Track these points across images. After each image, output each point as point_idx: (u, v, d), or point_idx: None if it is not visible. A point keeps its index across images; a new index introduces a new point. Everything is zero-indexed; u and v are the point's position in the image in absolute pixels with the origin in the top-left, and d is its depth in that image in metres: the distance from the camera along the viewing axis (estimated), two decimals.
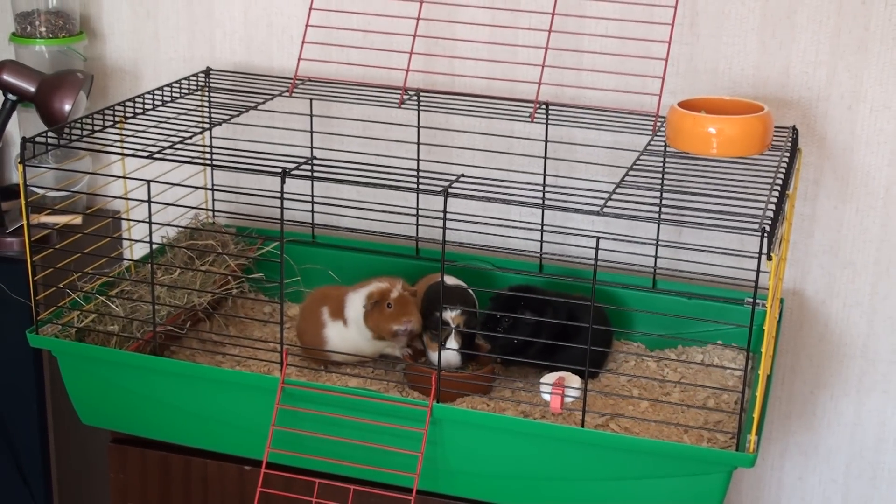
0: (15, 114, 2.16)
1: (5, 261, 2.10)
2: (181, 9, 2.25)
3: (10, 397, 2.15)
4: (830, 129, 1.97)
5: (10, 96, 2.09)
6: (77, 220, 2.11)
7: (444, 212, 1.56)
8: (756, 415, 1.54)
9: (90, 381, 1.79)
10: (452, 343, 1.79)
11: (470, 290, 1.88)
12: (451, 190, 1.57)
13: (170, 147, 1.70)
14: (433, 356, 1.79)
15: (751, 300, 1.88)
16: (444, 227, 1.58)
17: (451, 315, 1.79)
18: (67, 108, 2.05)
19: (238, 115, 1.92)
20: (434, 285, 1.88)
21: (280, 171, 1.60)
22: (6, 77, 2.07)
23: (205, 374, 1.72)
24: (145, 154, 1.67)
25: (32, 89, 2.07)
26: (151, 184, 1.73)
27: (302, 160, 1.65)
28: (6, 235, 2.12)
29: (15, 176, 2.35)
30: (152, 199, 1.71)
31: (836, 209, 2.00)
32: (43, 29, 2.21)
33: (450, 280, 1.89)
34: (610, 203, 1.53)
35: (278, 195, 1.62)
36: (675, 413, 1.76)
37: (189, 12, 2.25)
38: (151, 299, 1.75)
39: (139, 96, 1.92)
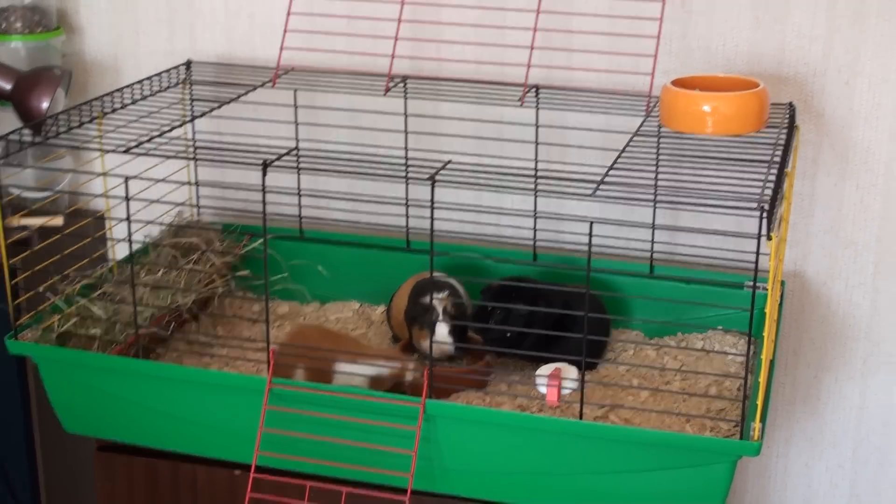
0: None
1: None
2: (160, 1, 2.20)
3: None
4: (828, 104, 1.92)
5: None
6: (58, 220, 2.06)
7: (432, 201, 1.51)
8: (759, 402, 1.49)
9: (72, 387, 1.74)
10: (442, 327, 1.74)
11: (458, 285, 1.83)
12: (438, 177, 1.52)
13: (147, 140, 1.64)
14: (425, 346, 1.74)
15: (751, 283, 1.84)
16: (432, 217, 1.53)
17: (437, 298, 1.74)
18: (45, 105, 2.00)
19: (219, 107, 1.87)
20: (421, 281, 1.83)
21: (261, 162, 1.55)
22: None
23: (188, 376, 1.68)
24: (122, 149, 1.62)
25: (8, 87, 2.02)
26: (135, 181, 1.68)
27: (284, 151, 1.60)
28: None
29: None
30: (134, 197, 1.66)
31: (835, 187, 1.95)
32: (18, 25, 2.15)
33: (438, 276, 1.84)
34: (604, 186, 1.48)
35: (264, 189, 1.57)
36: (677, 402, 1.71)
37: (168, 4, 2.20)
38: (132, 301, 1.70)
39: (117, 91, 1.87)
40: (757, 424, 1.47)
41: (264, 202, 1.57)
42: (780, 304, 1.87)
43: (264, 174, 1.55)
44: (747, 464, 2.12)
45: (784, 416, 2.09)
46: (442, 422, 1.57)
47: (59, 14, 2.23)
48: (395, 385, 1.66)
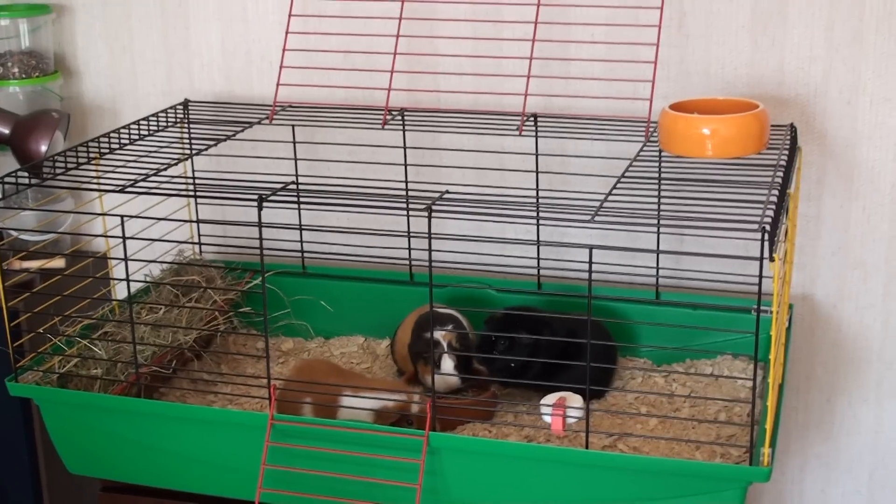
0: None
1: None
2: (157, 42, 2.20)
3: (0, 449, 2.09)
4: (830, 125, 1.90)
5: None
6: (59, 262, 2.05)
7: (429, 230, 1.50)
8: (769, 426, 1.46)
9: (75, 429, 1.72)
10: (448, 363, 1.72)
11: (462, 318, 1.81)
12: (436, 207, 1.50)
13: (143, 179, 1.64)
14: (429, 381, 1.72)
15: (756, 307, 1.82)
16: (430, 249, 1.52)
17: (440, 334, 1.72)
18: (44, 148, 2.00)
19: (215, 145, 1.86)
20: (424, 315, 1.82)
21: (256, 197, 1.54)
22: None
23: (188, 414, 1.66)
24: (117, 189, 1.61)
25: (7, 131, 2.02)
26: (136, 221, 1.67)
27: (280, 186, 1.59)
28: None
29: None
30: (132, 237, 1.66)
31: (841, 208, 1.93)
32: (16, 70, 2.16)
33: (441, 309, 1.83)
34: (603, 212, 1.46)
35: (264, 225, 1.56)
36: (686, 429, 1.68)
37: (165, 45, 2.20)
38: (132, 340, 1.68)
39: (114, 131, 1.87)
40: (766, 450, 1.45)
41: (261, 237, 1.56)
42: (789, 328, 1.84)
43: (260, 209, 1.54)
44: (763, 490, 2.09)
45: (798, 441, 2.05)
46: (446, 454, 1.55)
47: (56, 58, 2.24)
48: (400, 417, 1.64)
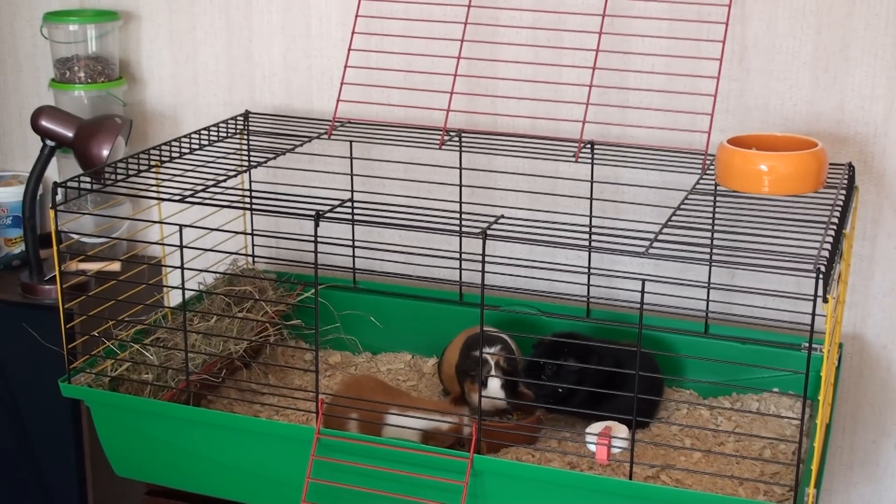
0: (54, 160, 2.15)
1: (44, 308, 2.07)
2: (220, 53, 2.23)
3: (49, 448, 2.12)
4: (889, 165, 1.89)
5: (49, 142, 2.07)
6: (115, 266, 2.08)
7: (483, 254, 1.51)
8: (814, 466, 1.46)
9: (123, 432, 1.74)
10: (494, 383, 1.73)
11: (510, 341, 1.82)
12: (490, 232, 1.51)
13: (202, 190, 1.66)
14: (475, 399, 1.73)
15: (807, 345, 1.81)
16: (483, 271, 1.53)
17: (489, 352, 1.73)
18: (105, 153, 2.03)
19: (275, 158, 1.89)
20: (473, 335, 1.82)
21: (314, 213, 1.56)
22: (44, 123, 2.06)
23: (236, 423, 1.67)
24: (177, 198, 1.64)
25: (70, 135, 2.06)
26: (192, 229, 1.69)
27: (337, 203, 1.61)
28: (45, 283, 2.10)
29: None
30: (189, 245, 1.68)
31: None
32: (82, 74, 2.20)
33: (490, 331, 1.84)
34: (657, 244, 1.46)
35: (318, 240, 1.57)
36: (730, 464, 1.68)
37: (228, 56, 2.23)
38: (184, 347, 1.70)
39: (175, 140, 1.89)
40: (811, 490, 1.44)
41: (316, 252, 1.57)
42: (838, 367, 1.83)
43: (317, 225, 1.56)
44: None
45: (841, 481, 2.04)
46: (490, 477, 1.56)
47: (121, 64, 2.28)
48: (454, 440, 1.65)
